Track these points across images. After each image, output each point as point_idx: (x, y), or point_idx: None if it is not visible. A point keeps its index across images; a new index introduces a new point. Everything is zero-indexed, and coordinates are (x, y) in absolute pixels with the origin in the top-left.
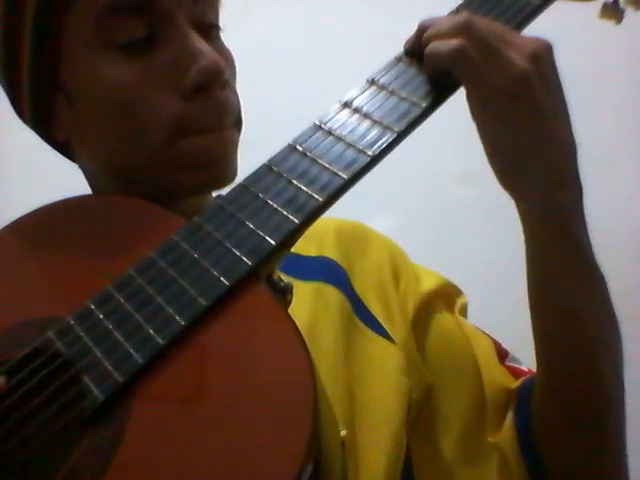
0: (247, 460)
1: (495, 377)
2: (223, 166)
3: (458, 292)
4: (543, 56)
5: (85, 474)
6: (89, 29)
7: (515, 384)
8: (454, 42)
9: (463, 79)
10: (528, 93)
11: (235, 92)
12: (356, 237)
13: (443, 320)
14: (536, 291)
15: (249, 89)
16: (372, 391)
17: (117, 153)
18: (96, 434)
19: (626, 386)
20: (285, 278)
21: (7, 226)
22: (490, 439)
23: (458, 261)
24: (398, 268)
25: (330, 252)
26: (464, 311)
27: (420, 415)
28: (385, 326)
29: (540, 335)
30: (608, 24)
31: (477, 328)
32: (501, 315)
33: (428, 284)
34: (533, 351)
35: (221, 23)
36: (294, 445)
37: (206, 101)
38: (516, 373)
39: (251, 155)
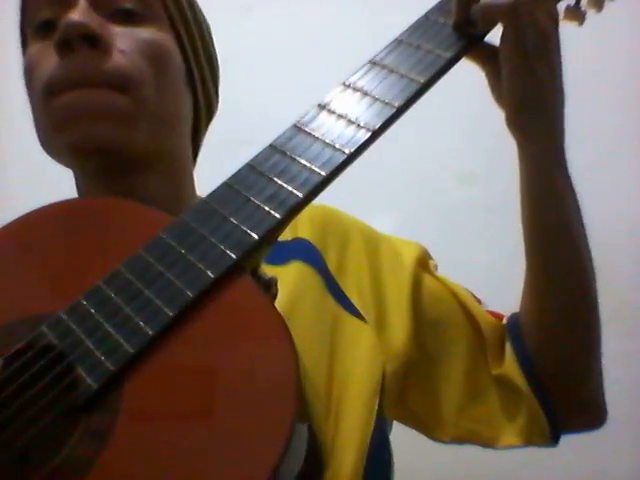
0: (234, 443)
1: (487, 317)
2: (87, 125)
3: (427, 253)
4: (557, 17)
5: (80, 459)
6: (26, 23)
7: (503, 320)
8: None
9: (509, 28)
10: (549, 47)
11: (125, 57)
12: (328, 219)
13: (428, 282)
14: (535, 208)
15: (248, 88)
16: (346, 367)
17: (36, 130)
18: (90, 421)
19: (627, 384)
20: (264, 267)
21: (1, 228)
22: (494, 372)
23: (457, 261)
24: (373, 246)
25: (304, 233)
26: (436, 269)
27: (414, 377)
28: (357, 306)
29: (538, 249)
30: (606, 27)
31: (453, 281)
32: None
33: (410, 255)
34: None
35: (220, 23)
36: (276, 431)
37: (70, 60)
38: (495, 315)
39: (250, 155)
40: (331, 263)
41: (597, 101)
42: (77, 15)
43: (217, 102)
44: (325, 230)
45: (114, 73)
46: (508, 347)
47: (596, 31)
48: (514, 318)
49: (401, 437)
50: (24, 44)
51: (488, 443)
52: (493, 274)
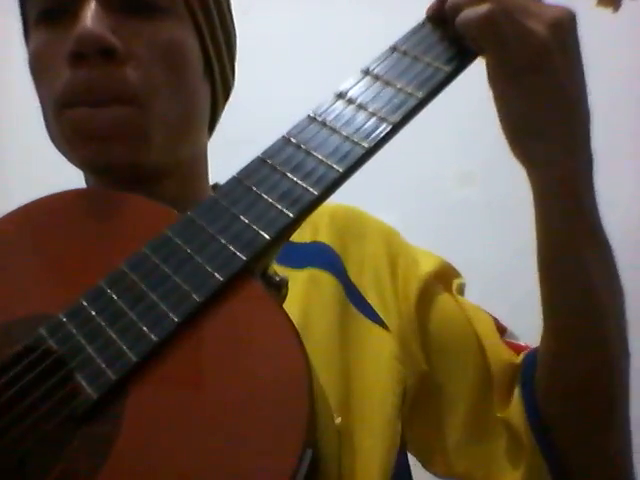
0: (244, 458)
1: (499, 353)
2: (98, 145)
3: (456, 273)
4: (564, 26)
5: (78, 474)
6: (29, 6)
7: (518, 359)
8: (483, 8)
9: (486, 44)
10: (547, 63)
11: (140, 68)
12: (350, 222)
13: (443, 301)
14: (548, 259)
15: (248, 89)
16: (367, 378)
17: (46, 129)
18: (89, 433)
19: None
20: (279, 269)
21: (1, 218)
22: (499, 415)
23: (457, 261)
24: (395, 252)
25: (324, 237)
26: (462, 291)
27: (420, 399)
28: (379, 313)
29: (550, 304)
30: (606, 26)
31: (476, 306)
32: (501, 314)
33: (427, 266)
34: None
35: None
36: (289, 440)
37: (82, 72)
38: (516, 349)
39: (251, 155)
40: (351, 268)
41: (597, 101)
42: (91, 23)
43: (234, 79)
44: (345, 233)
45: (126, 87)
46: (517, 392)
47: (596, 30)
48: (531, 357)
49: None
50: (26, 29)
51: None
52: (492, 274)
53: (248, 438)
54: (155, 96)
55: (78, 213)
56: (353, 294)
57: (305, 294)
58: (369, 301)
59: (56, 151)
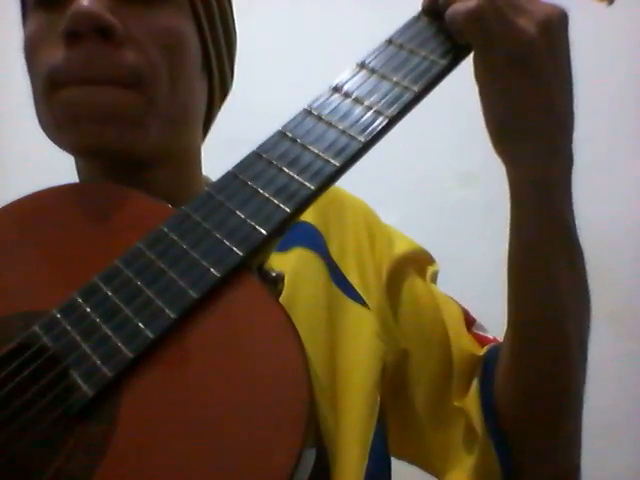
0: (242, 456)
1: (463, 344)
2: (91, 126)
3: (430, 259)
4: (554, 25)
5: (74, 473)
6: None
7: (481, 351)
8: (472, 3)
9: (472, 39)
10: (532, 61)
11: (139, 51)
12: (332, 201)
13: (414, 285)
14: (515, 255)
15: (248, 88)
16: (349, 357)
17: (37, 114)
18: (85, 431)
19: (627, 384)
20: None
21: None
22: (456, 404)
23: (457, 261)
24: (373, 232)
25: (308, 216)
26: (434, 279)
27: (395, 377)
28: (360, 292)
29: (514, 300)
30: (606, 27)
31: (447, 296)
32: (500, 314)
33: (400, 248)
34: None
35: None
36: (289, 440)
37: (77, 51)
38: (482, 341)
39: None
40: (333, 247)
41: (597, 101)
42: (88, 1)
43: (232, 78)
44: (328, 212)
45: (125, 69)
46: (475, 384)
47: (596, 30)
48: (494, 351)
49: None
50: (24, 13)
51: (437, 475)
52: (493, 274)
53: (246, 437)
54: (154, 82)
55: (73, 208)
56: (335, 273)
57: (290, 275)
58: (350, 280)
59: (56, 150)
